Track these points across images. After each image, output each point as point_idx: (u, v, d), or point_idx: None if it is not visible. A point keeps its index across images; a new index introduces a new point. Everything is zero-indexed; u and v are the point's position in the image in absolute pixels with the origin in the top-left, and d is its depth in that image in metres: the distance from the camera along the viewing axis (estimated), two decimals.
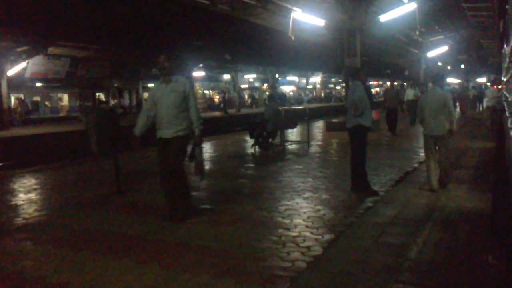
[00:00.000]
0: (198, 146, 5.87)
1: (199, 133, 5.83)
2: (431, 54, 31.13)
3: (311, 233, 5.21)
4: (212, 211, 6.39)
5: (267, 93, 35.33)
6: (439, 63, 40.60)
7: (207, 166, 10.47)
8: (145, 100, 6.00)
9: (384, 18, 16.82)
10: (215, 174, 9.50)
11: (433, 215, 5.96)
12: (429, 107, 7.35)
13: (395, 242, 4.88)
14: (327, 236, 5.09)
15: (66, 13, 17.09)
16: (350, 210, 6.25)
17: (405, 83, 24.60)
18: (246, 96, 49.17)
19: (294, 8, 16.17)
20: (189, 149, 5.88)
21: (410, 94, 19.47)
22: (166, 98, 5.73)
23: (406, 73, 38.97)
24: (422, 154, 11.16)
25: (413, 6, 16.13)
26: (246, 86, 50.05)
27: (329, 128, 18.26)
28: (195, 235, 5.24)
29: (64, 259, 4.60)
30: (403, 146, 13.35)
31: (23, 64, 24.21)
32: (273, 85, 46.38)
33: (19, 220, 6.17)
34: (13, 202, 7.25)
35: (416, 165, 9.85)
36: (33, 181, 9.17)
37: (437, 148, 7.50)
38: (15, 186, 8.60)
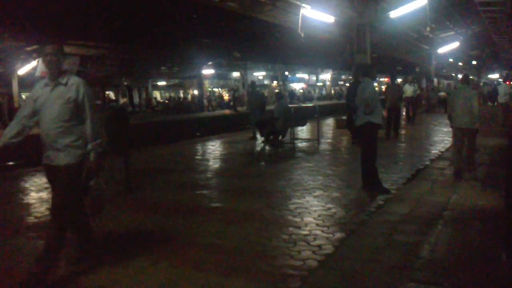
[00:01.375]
0: (93, 175, 4.21)
1: (95, 158, 4.10)
2: (442, 50, 30.89)
3: (322, 231, 5.19)
4: (222, 209, 6.38)
5: (276, 90, 35.31)
6: (450, 59, 40.30)
7: (216, 164, 10.47)
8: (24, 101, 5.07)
9: (394, 14, 16.68)
10: (224, 172, 9.50)
11: (445, 213, 5.90)
12: (458, 103, 8.16)
13: (407, 241, 4.83)
14: (338, 235, 5.06)
15: (76, 12, 17.16)
16: (361, 208, 6.21)
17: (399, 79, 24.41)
18: None
19: (303, 5, 16.11)
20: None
21: (408, 90, 18.60)
22: (50, 107, 4.03)
23: (417, 69, 38.73)
24: (434, 151, 11.12)
25: (423, 1, 15.99)
26: None
27: (339, 125, 18.18)
28: (205, 234, 5.23)
29: (74, 258, 4.60)
30: (414, 143, 13.25)
31: (33, 63, 24.37)
32: (283, 82, 46.34)
33: (31, 219, 6.20)
34: (25, 201, 7.30)
35: (427, 162, 9.76)
36: (44, 179, 9.19)
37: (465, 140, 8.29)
38: (27, 185, 8.65)
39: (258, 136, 14.12)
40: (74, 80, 4.11)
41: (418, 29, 26.37)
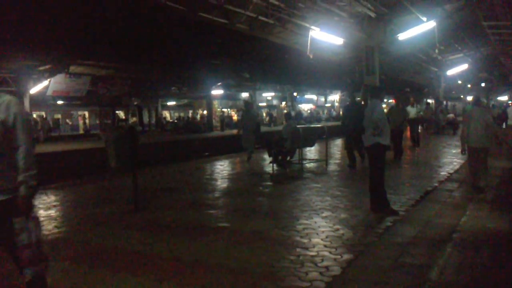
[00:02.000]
0: (20, 214, 3.24)
1: (25, 192, 3.21)
2: (451, 72, 30.91)
3: (330, 252, 5.15)
4: (229, 229, 6.37)
5: (285, 111, 35.41)
6: (459, 81, 40.29)
7: (224, 184, 10.47)
8: None
9: (402, 36, 16.78)
10: (232, 192, 9.50)
11: (454, 236, 5.84)
12: (472, 124, 8.75)
13: (416, 263, 4.78)
14: (346, 256, 5.02)
15: (87, 32, 17.43)
16: (369, 229, 6.16)
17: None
18: (264, 114, 49.33)
19: (312, 27, 16.26)
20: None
21: (412, 112, 18.15)
22: None
23: (426, 90, 38.70)
24: (443, 173, 11.06)
25: (432, 24, 16.07)
26: (264, 104, 50.24)
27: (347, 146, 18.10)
28: (212, 253, 5.21)
29: (82, 276, 4.61)
30: (423, 164, 13.18)
31: (45, 83, 24.72)
32: (291, 103, 46.50)
33: None
34: None
35: (436, 184, 9.70)
36: (53, 197, 9.25)
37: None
38: (36, 203, 8.67)
39: (266, 156, 14.11)
40: (3, 98, 3.22)
41: (426, 51, 26.47)
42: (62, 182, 11.55)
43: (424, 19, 15.92)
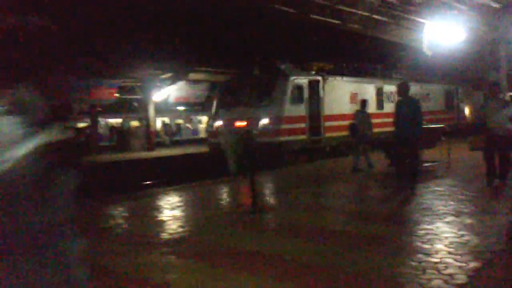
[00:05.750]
0: None
1: None
2: None
3: (455, 260, 4.87)
4: (347, 233, 6.29)
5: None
6: None
7: (341, 186, 10.33)
8: None
9: None
10: (349, 195, 9.37)
11: None
12: None
13: None
14: (473, 264, 4.71)
15: (205, 41, 18.31)
16: (498, 236, 5.73)
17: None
18: None
19: (429, 22, 15.55)
20: None
21: None
22: None
23: None
24: None
25: None
26: None
27: (475, 145, 16.88)
28: (330, 257, 5.17)
29: (205, 274, 4.83)
30: None
31: (167, 90, 26.34)
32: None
33: (164, 235, 6.63)
34: (159, 218, 7.84)
35: None
36: (176, 198, 9.82)
37: None
38: (161, 203, 9.29)
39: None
40: None
41: None
42: (185, 184, 12.22)
43: None
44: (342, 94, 18.41)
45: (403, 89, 9.67)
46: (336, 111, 17.89)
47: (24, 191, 1.58)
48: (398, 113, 9.40)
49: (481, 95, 20.91)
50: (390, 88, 20.03)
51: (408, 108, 9.13)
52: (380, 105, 20.36)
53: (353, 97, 18.62)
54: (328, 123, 17.50)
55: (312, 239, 6.02)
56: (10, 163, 1.53)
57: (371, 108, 17.20)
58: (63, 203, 1.71)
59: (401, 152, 9.48)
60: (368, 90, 19.66)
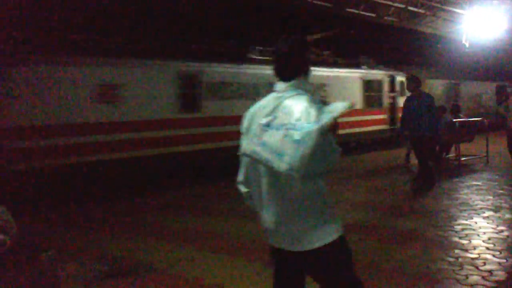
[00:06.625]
0: None
1: None
2: None
3: (493, 255, 4.79)
4: (381, 227, 6.25)
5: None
6: None
7: (372, 180, 10.21)
8: None
9: None
10: (383, 189, 9.26)
11: None
12: None
13: None
14: None
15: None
16: None
17: None
18: None
19: (467, 13, 15.18)
20: None
21: None
22: None
23: None
24: None
25: None
26: None
27: None
28: (364, 252, 5.11)
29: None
30: None
31: None
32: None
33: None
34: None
35: None
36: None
37: None
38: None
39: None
40: None
41: None
42: None
43: None
44: None
45: (413, 83, 8.71)
46: None
47: None
48: (407, 109, 8.73)
49: None
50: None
51: (419, 104, 8.37)
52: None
53: None
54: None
55: (347, 234, 5.98)
56: None
57: None
58: None
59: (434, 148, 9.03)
60: None
